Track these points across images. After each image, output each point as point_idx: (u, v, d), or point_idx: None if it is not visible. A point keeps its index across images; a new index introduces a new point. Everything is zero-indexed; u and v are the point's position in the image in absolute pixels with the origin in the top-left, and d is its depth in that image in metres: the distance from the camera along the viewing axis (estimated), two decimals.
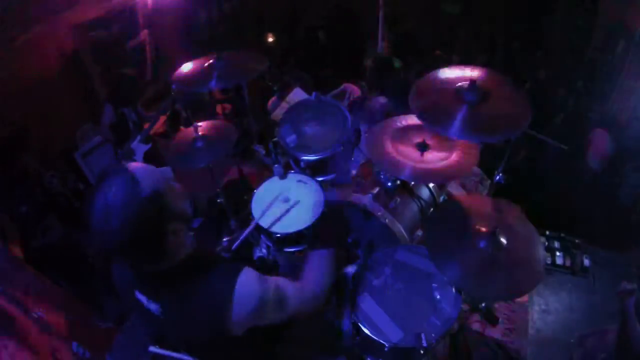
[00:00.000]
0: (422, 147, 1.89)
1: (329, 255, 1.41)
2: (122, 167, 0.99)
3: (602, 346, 2.21)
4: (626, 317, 1.97)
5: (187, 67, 2.20)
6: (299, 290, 1.27)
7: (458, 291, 1.65)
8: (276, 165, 2.25)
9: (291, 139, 2.30)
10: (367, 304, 1.69)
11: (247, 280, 1.10)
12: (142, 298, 1.16)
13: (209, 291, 1.09)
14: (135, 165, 1.01)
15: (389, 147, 1.92)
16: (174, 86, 2.19)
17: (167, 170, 1.09)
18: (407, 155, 1.87)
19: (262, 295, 1.12)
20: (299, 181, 2.21)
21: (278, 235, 2.00)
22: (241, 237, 1.85)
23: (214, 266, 1.13)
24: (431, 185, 2.28)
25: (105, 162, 3.51)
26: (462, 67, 1.69)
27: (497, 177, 1.89)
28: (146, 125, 3.49)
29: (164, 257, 1.06)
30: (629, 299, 1.96)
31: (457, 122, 1.51)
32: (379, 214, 1.98)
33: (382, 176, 2.13)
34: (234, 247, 1.83)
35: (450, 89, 1.63)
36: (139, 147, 3.27)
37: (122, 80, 3.40)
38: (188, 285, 1.10)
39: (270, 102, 3.40)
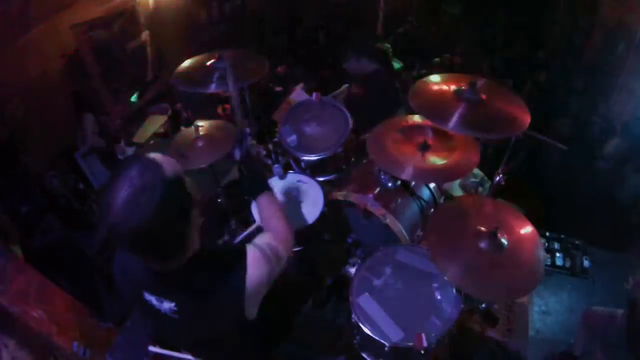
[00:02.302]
0: (423, 148, 1.89)
1: (270, 198, 1.44)
2: (140, 155, 1.02)
3: (611, 329, 2.24)
4: (637, 305, 2.03)
5: (187, 65, 2.20)
6: (278, 238, 1.32)
7: (458, 291, 1.65)
8: (276, 165, 2.25)
9: (292, 139, 2.31)
10: (367, 303, 1.69)
11: (255, 261, 1.15)
12: (152, 298, 1.15)
13: (224, 283, 1.12)
14: (153, 153, 1.03)
15: (390, 147, 1.92)
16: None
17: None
18: (408, 155, 1.88)
19: (269, 267, 1.18)
20: (299, 181, 2.22)
21: None
22: (241, 236, 1.86)
23: (221, 257, 1.18)
24: (432, 185, 2.29)
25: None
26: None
27: (498, 178, 1.90)
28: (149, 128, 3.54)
29: (181, 247, 1.08)
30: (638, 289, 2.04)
31: (455, 118, 1.53)
32: (380, 214, 1.98)
33: (382, 176, 2.14)
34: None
35: (449, 89, 1.65)
36: (125, 149, 3.35)
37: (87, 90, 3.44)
38: (202, 280, 1.12)
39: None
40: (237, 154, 1.48)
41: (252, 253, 1.16)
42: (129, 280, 1.21)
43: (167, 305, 1.13)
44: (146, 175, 0.94)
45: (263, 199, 1.42)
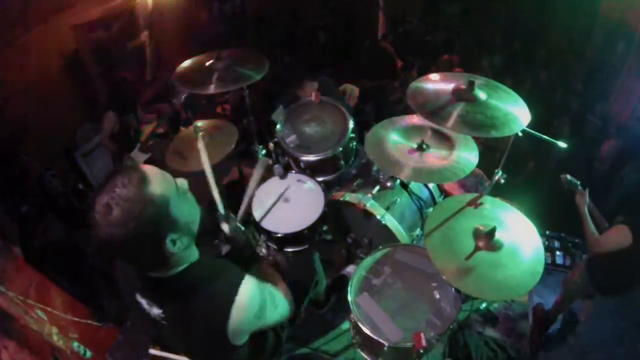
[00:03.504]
0: (422, 148, 1.89)
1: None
2: (136, 166, 0.99)
3: (580, 278, 2.45)
4: (582, 221, 2.28)
5: (186, 66, 2.20)
6: (284, 293, 1.32)
7: (457, 291, 1.65)
8: (276, 166, 2.25)
9: (291, 139, 2.31)
10: (367, 303, 1.69)
11: (248, 290, 1.11)
12: (143, 301, 1.15)
13: (211, 301, 1.09)
14: (150, 167, 1.00)
15: (389, 147, 1.92)
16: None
17: (184, 181, 1.08)
18: (407, 155, 1.88)
19: (261, 301, 1.14)
20: (299, 181, 2.22)
21: (278, 235, 2.01)
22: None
23: (216, 275, 1.13)
24: (431, 185, 2.29)
25: (105, 162, 3.51)
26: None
27: (497, 178, 1.89)
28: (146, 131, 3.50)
29: (160, 263, 1.05)
30: (583, 205, 2.32)
31: (454, 117, 1.52)
32: (379, 214, 1.98)
33: (381, 176, 2.14)
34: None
35: (448, 88, 1.64)
36: (139, 155, 3.28)
37: (122, 85, 3.34)
38: (190, 294, 1.09)
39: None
40: (226, 228, 1.46)
41: (246, 286, 1.11)
42: (126, 279, 1.21)
43: (156, 311, 1.13)
44: (128, 188, 0.92)
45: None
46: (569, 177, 2.41)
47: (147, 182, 0.95)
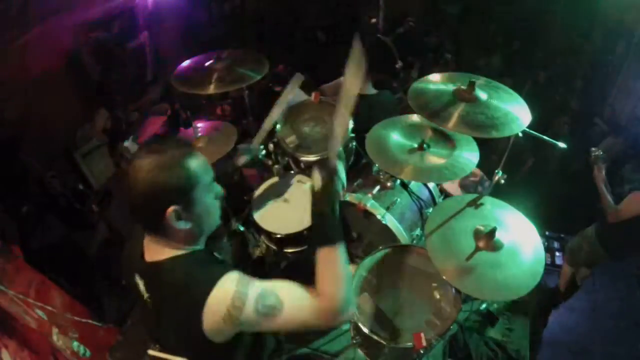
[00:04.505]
0: (422, 147, 1.89)
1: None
2: (192, 145, 1.06)
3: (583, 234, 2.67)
4: (599, 193, 2.43)
5: (186, 66, 2.21)
6: (305, 297, 1.06)
7: (457, 291, 1.65)
8: (276, 166, 2.26)
9: (291, 139, 2.31)
10: (367, 303, 1.69)
11: (225, 284, 1.02)
12: (140, 282, 1.16)
13: (188, 292, 1.04)
14: (201, 155, 1.09)
15: (389, 147, 1.92)
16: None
17: (221, 189, 1.17)
18: (407, 155, 1.88)
19: (234, 301, 0.99)
20: (299, 181, 2.22)
21: (278, 235, 2.01)
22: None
23: (201, 267, 1.10)
24: (431, 185, 2.29)
25: (106, 162, 3.51)
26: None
27: (497, 178, 1.90)
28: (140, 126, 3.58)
29: (157, 226, 1.06)
30: (600, 179, 2.44)
31: (455, 117, 1.53)
32: (379, 214, 1.98)
33: (382, 176, 2.14)
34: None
35: (448, 89, 1.65)
36: (133, 145, 3.36)
37: (115, 83, 3.46)
38: (173, 283, 1.07)
39: None
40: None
41: (230, 276, 1.03)
42: (130, 259, 1.21)
43: (147, 295, 1.15)
44: (174, 150, 1.03)
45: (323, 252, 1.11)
46: (601, 152, 2.54)
47: (190, 158, 1.05)
